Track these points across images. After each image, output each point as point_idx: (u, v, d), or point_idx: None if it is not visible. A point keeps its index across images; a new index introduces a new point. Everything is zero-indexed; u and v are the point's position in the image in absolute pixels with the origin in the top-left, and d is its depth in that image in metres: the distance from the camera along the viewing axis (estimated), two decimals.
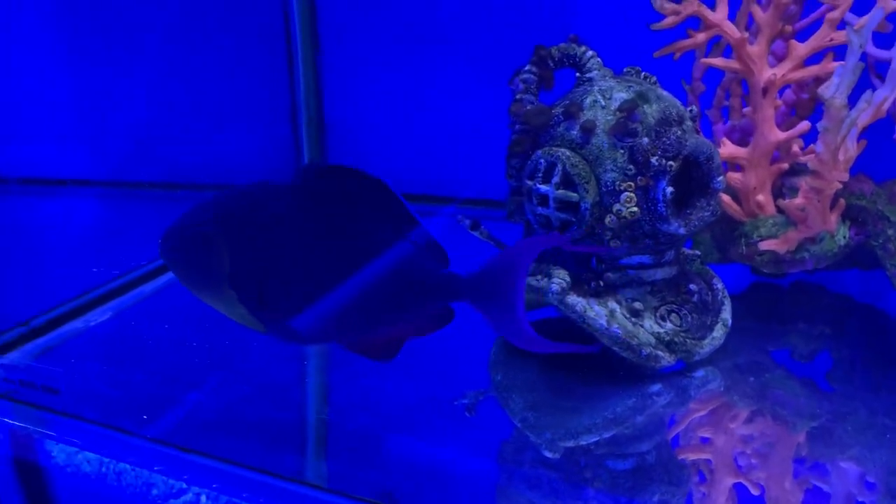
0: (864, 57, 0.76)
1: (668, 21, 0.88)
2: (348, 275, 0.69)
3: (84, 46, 1.18)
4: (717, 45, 0.99)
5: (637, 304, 0.81)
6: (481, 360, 0.87)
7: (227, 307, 0.70)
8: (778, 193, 0.94)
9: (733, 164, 0.94)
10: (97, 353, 0.87)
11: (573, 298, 0.79)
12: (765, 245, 0.88)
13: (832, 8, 0.87)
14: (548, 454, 0.71)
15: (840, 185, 0.81)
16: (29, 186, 1.10)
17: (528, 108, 0.82)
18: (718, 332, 0.83)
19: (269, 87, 1.40)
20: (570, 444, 0.72)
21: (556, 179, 0.78)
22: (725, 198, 0.92)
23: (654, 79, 0.84)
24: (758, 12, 0.88)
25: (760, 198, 0.92)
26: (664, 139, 0.77)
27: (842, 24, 0.87)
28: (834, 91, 0.75)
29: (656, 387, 0.80)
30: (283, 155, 1.42)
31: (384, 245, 0.69)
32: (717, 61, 0.90)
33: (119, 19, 1.20)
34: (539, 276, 0.81)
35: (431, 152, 1.41)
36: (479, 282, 0.71)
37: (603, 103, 0.79)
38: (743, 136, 0.99)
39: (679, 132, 0.77)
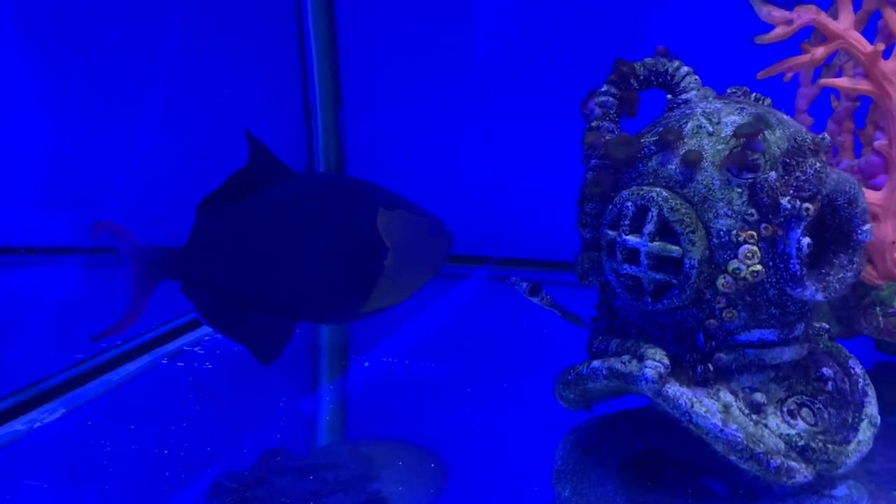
0: None
1: (778, 32, 0.70)
2: None
3: (68, 94, 1.03)
4: (829, 67, 0.80)
5: (758, 396, 0.61)
6: (542, 466, 0.67)
7: None
8: None
9: None
10: (38, 467, 0.67)
11: (675, 389, 0.59)
12: None
13: None
14: None
15: None
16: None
17: (608, 137, 0.64)
18: (865, 434, 0.63)
19: (284, 138, 1.25)
20: None
21: (649, 228, 0.59)
22: None
23: (769, 101, 0.65)
24: (894, 18, 0.70)
25: None
26: (797, 174, 0.58)
27: None
28: None
29: None
30: None
31: None
32: (843, 82, 0.71)
33: (113, 65, 1.05)
34: (626, 357, 0.61)
35: (467, 209, 1.24)
36: None
37: (710, 129, 0.60)
38: (863, 180, 0.80)
39: (818, 164, 0.58)
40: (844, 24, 0.70)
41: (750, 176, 0.58)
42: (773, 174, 0.58)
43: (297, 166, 1.26)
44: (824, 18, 0.70)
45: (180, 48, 1.08)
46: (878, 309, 0.73)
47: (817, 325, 0.67)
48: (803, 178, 0.57)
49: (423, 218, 0.80)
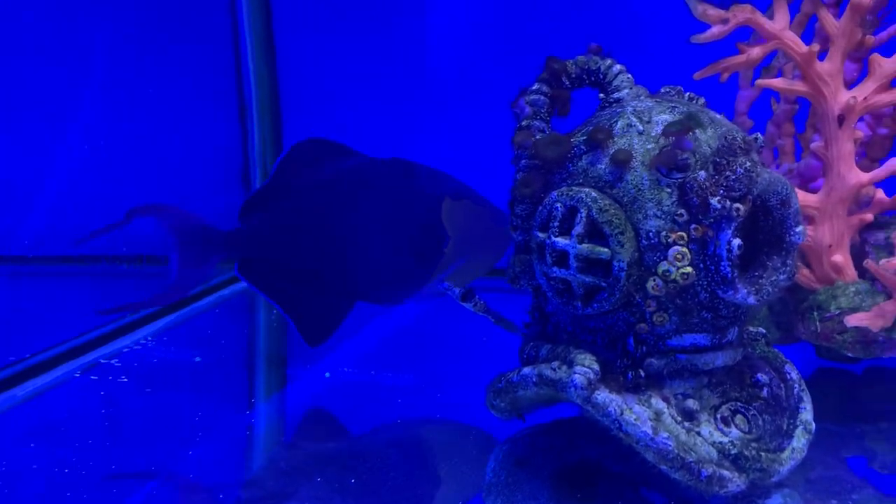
0: None
1: (714, 32, 0.69)
2: None
3: None
4: (767, 68, 0.79)
5: (690, 403, 0.59)
6: (474, 478, 0.64)
7: None
8: (859, 253, 0.73)
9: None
10: None
11: (604, 395, 0.57)
12: (853, 320, 0.66)
13: None
14: None
15: None
16: None
17: (539, 136, 0.62)
18: (800, 442, 0.61)
19: (219, 139, 1.21)
20: None
21: (578, 230, 0.57)
22: None
23: (703, 100, 0.64)
24: (829, 20, 0.69)
25: (838, 258, 0.71)
26: (728, 173, 0.56)
27: None
28: None
29: None
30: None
31: None
32: (778, 82, 0.70)
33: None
34: (556, 364, 0.59)
35: None
36: None
37: (640, 128, 0.58)
38: (803, 183, 0.79)
39: (748, 163, 0.56)
40: (780, 24, 0.69)
41: (680, 175, 0.56)
42: (702, 173, 0.56)
43: (233, 168, 1.23)
44: (760, 18, 0.69)
45: (111, 48, 1.05)
46: (815, 314, 0.72)
47: (753, 329, 0.65)
48: (733, 177, 0.56)
49: (487, 209, 0.81)
